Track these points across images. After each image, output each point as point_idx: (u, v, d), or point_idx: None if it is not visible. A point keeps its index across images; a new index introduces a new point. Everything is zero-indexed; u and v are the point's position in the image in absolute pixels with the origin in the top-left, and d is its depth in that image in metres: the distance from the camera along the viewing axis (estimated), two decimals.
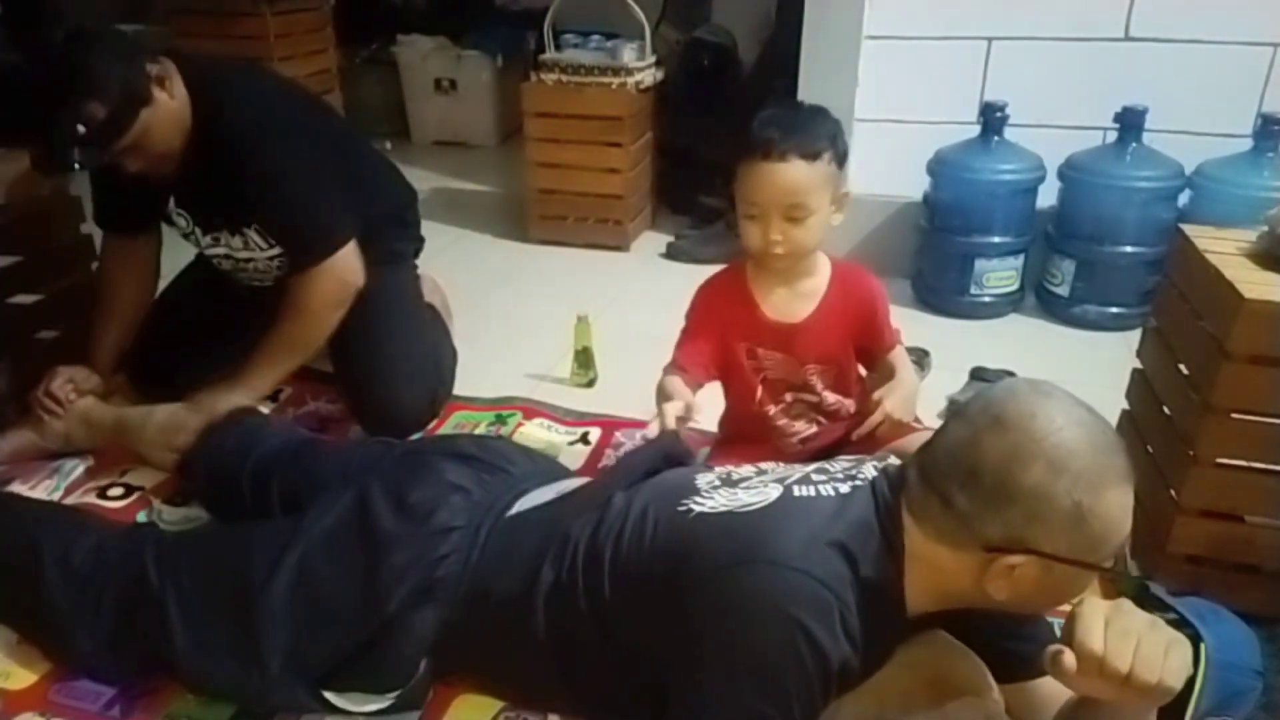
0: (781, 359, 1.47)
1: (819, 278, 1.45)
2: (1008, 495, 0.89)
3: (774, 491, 1.04)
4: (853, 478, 1.05)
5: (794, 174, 1.30)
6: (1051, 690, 1.07)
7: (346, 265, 1.69)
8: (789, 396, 1.52)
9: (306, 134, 1.68)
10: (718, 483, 1.10)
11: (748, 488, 1.07)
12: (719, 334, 1.48)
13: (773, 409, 1.53)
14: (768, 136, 1.30)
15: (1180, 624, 1.14)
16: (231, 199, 1.66)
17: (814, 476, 1.07)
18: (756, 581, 0.94)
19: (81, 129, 1.45)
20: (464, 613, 1.15)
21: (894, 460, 1.10)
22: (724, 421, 1.65)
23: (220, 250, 1.80)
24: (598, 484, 1.24)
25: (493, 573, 1.15)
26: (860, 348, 1.51)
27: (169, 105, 1.55)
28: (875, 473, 1.05)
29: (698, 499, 1.06)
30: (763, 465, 1.17)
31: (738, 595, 0.94)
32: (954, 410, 0.99)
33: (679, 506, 1.06)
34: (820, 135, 1.32)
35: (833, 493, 1.03)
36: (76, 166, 1.49)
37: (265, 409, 1.92)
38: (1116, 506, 0.90)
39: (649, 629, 1.04)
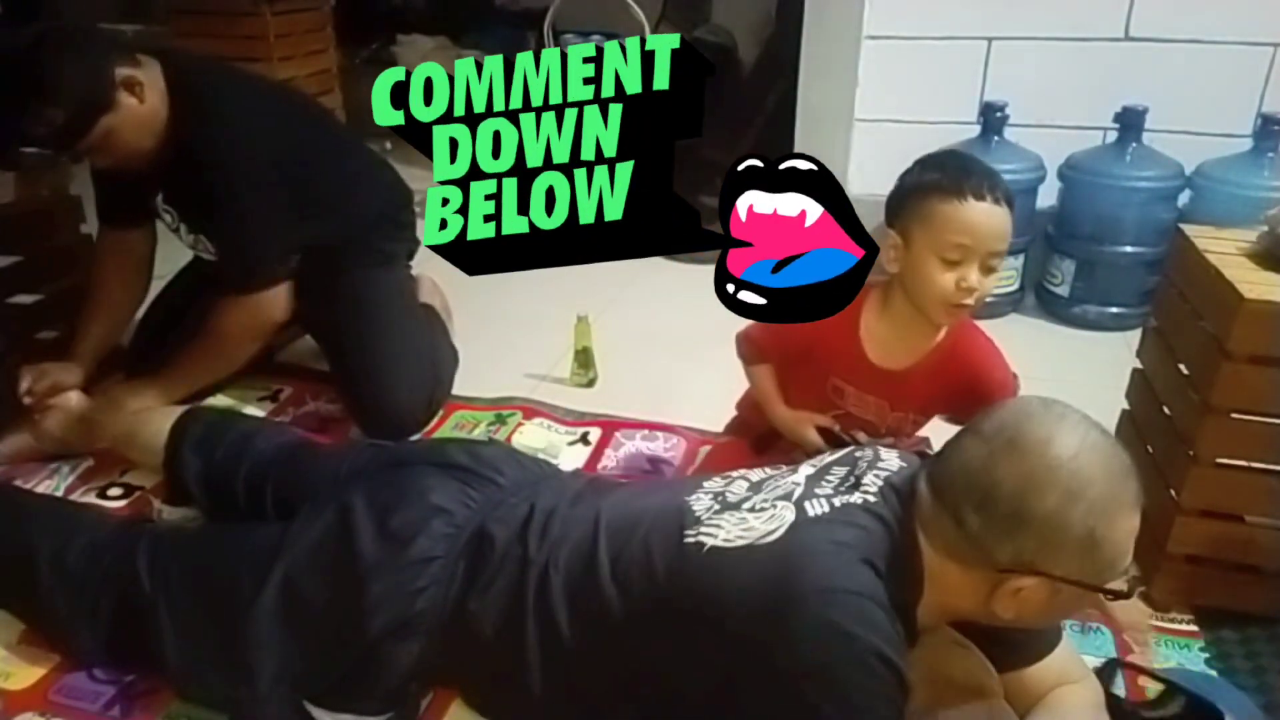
0: (873, 402, 1.40)
1: (936, 329, 1.36)
2: (1022, 521, 0.89)
3: (788, 514, 1.00)
4: (857, 486, 1.03)
5: (1004, 219, 1.24)
6: (1048, 677, 1.08)
7: (270, 303, 1.69)
8: (861, 436, 1.43)
9: (280, 150, 1.66)
10: (716, 506, 1.07)
11: (755, 510, 1.03)
12: (813, 359, 1.40)
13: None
14: (978, 178, 1.24)
15: (1195, 702, 1.12)
16: (201, 204, 1.68)
17: (818, 490, 1.04)
18: (818, 613, 0.91)
19: (42, 131, 1.46)
20: (449, 645, 1.13)
21: (892, 464, 1.07)
22: (748, 412, 1.60)
23: (202, 251, 1.80)
24: (576, 510, 1.19)
25: (476, 605, 1.12)
26: (961, 409, 1.37)
27: (136, 110, 1.55)
28: (880, 482, 1.03)
29: (704, 529, 1.03)
30: (751, 476, 1.14)
31: (800, 631, 0.92)
32: (965, 427, 0.98)
33: (685, 538, 1.03)
34: (1006, 183, 1.27)
35: (843, 504, 1.01)
36: (34, 163, 1.50)
37: (264, 410, 1.93)
38: (1126, 532, 0.91)
39: (675, 671, 1.02)
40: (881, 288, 1.37)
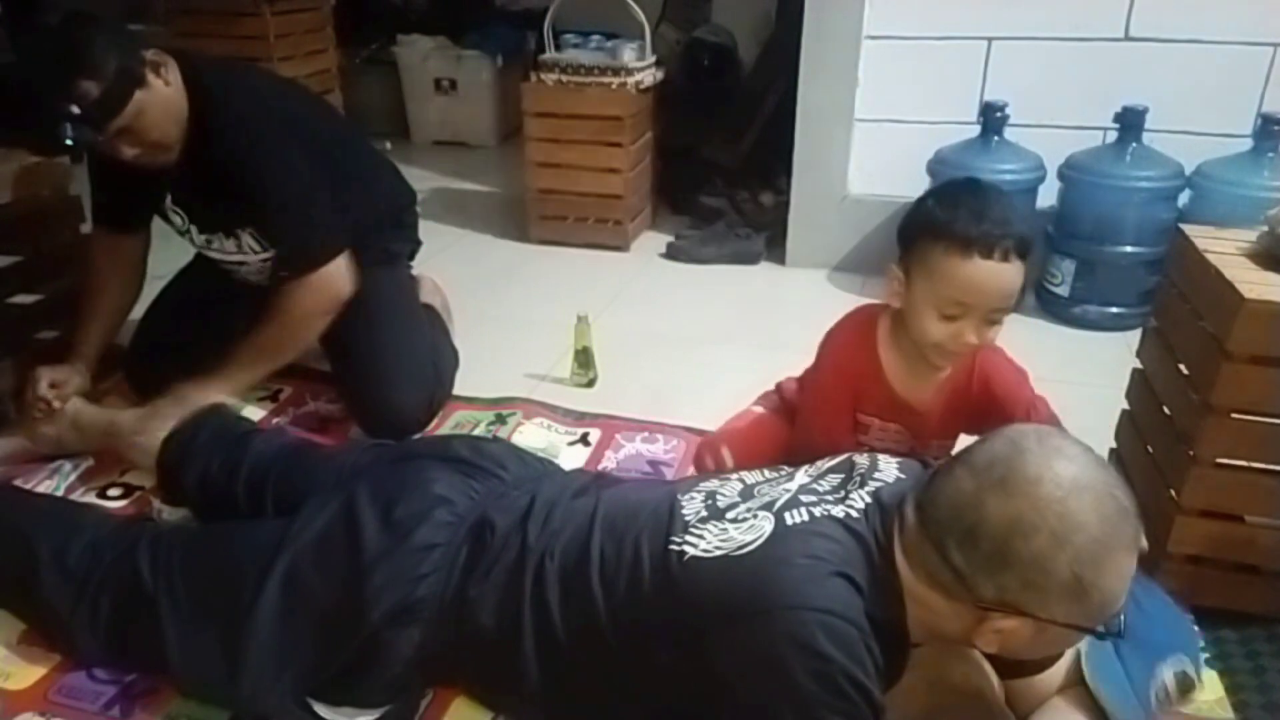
0: (894, 431, 1.37)
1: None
2: (1006, 562, 0.87)
3: (766, 525, 1.00)
4: (843, 500, 1.02)
5: (1012, 275, 1.16)
6: (1054, 681, 1.08)
7: (336, 276, 1.69)
8: None
9: (303, 139, 1.67)
10: (705, 513, 1.06)
11: (737, 521, 1.03)
12: (850, 403, 1.36)
13: None
14: (988, 232, 1.14)
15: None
16: (228, 201, 1.67)
17: (802, 498, 1.03)
18: (783, 629, 0.91)
19: (75, 109, 1.45)
20: (450, 633, 1.13)
21: (888, 474, 1.07)
22: (788, 391, 1.55)
23: (214, 251, 1.80)
24: (577, 503, 1.19)
25: (475, 593, 1.13)
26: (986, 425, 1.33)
27: (164, 91, 1.55)
28: (868, 500, 1.02)
29: (688, 537, 1.03)
30: (747, 478, 1.14)
31: (768, 646, 0.91)
32: (959, 453, 0.95)
33: (670, 545, 1.03)
34: (1025, 225, 1.17)
35: (823, 515, 1.00)
36: (70, 144, 1.48)
37: (264, 410, 1.93)
38: (1118, 576, 0.88)
39: (657, 675, 1.03)
40: (890, 315, 1.32)
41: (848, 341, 1.35)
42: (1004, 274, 1.15)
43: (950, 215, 1.17)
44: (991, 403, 1.32)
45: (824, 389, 1.36)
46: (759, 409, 1.58)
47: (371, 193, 1.89)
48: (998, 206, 1.17)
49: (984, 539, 0.88)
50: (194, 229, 1.78)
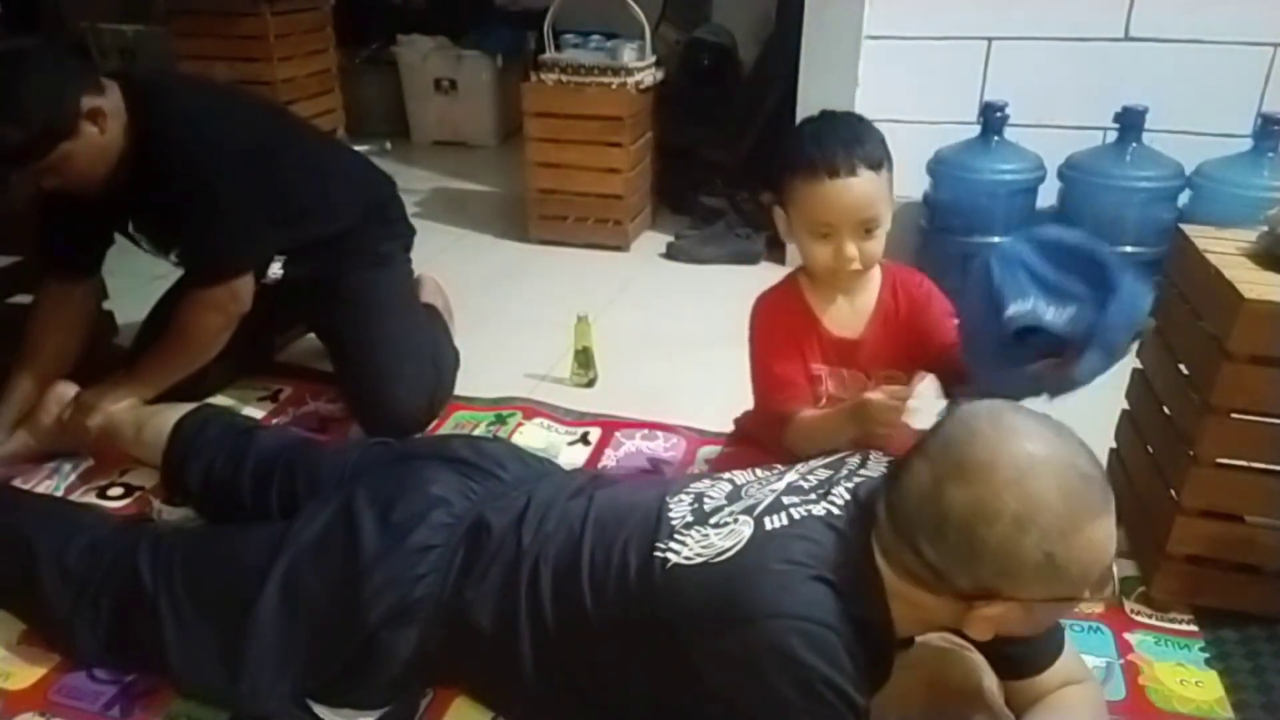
0: (847, 375, 1.39)
1: (874, 285, 1.38)
2: (974, 552, 0.85)
3: (745, 529, 0.99)
4: (825, 497, 1.02)
5: (865, 188, 1.24)
6: (1052, 680, 1.08)
7: (232, 296, 1.68)
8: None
9: (242, 151, 1.65)
10: (690, 518, 1.06)
11: (719, 526, 1.02)
12: (793, 345, 1.39)
13: None
14: (832, 153, 1.23)
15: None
16: (168, 212, 1.66)
17: (785, 499, 1.03)
18: (761, 638, 0.90)
19: None
20: (447, 634, 1.14)
21: (873, 471, 1.06)
22: (748, 423, 1.58)
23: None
24: (572, 504, 1.19)
25: (472, 594, 1.13)
26: (925, 347, 1.36)
27: (96, 140, 1.53)
28: (847, 497, 1.01)
29: (672, 544, 1.02)
30: (737, 479, 1.14)
31: (746, 655, 0.91)
32: (915, 443, 0.93)
33: (654, 551, 1.03)
34: (877, 142, 1.27)
35: (802, 517, 0.99)
36: None
37: (265, 410, 1.93)
38: (1092, 544, 0.86)
39: (647, 677, 1.03)
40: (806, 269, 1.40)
41: (774, 297, 1.42)
42: (854, 187, 1.23)
43: (799, 147, 1.26)
44: (919, 315, 1.37)
45: (765, 339, 1.40)
46: (730, 449, 1.61)
47: (340, 198, 1.87)
48: (840, 128, 1.26)
49: (950, 531, 0.86)
50: (160, 251, 1.77)
